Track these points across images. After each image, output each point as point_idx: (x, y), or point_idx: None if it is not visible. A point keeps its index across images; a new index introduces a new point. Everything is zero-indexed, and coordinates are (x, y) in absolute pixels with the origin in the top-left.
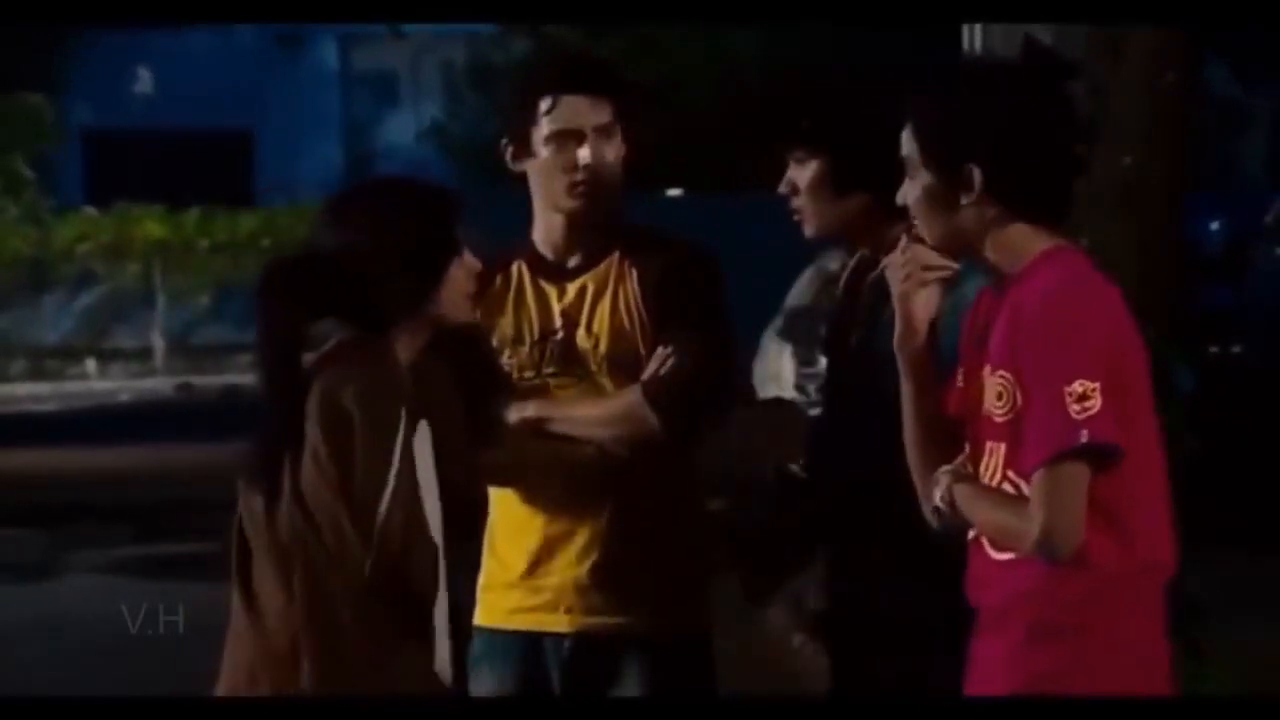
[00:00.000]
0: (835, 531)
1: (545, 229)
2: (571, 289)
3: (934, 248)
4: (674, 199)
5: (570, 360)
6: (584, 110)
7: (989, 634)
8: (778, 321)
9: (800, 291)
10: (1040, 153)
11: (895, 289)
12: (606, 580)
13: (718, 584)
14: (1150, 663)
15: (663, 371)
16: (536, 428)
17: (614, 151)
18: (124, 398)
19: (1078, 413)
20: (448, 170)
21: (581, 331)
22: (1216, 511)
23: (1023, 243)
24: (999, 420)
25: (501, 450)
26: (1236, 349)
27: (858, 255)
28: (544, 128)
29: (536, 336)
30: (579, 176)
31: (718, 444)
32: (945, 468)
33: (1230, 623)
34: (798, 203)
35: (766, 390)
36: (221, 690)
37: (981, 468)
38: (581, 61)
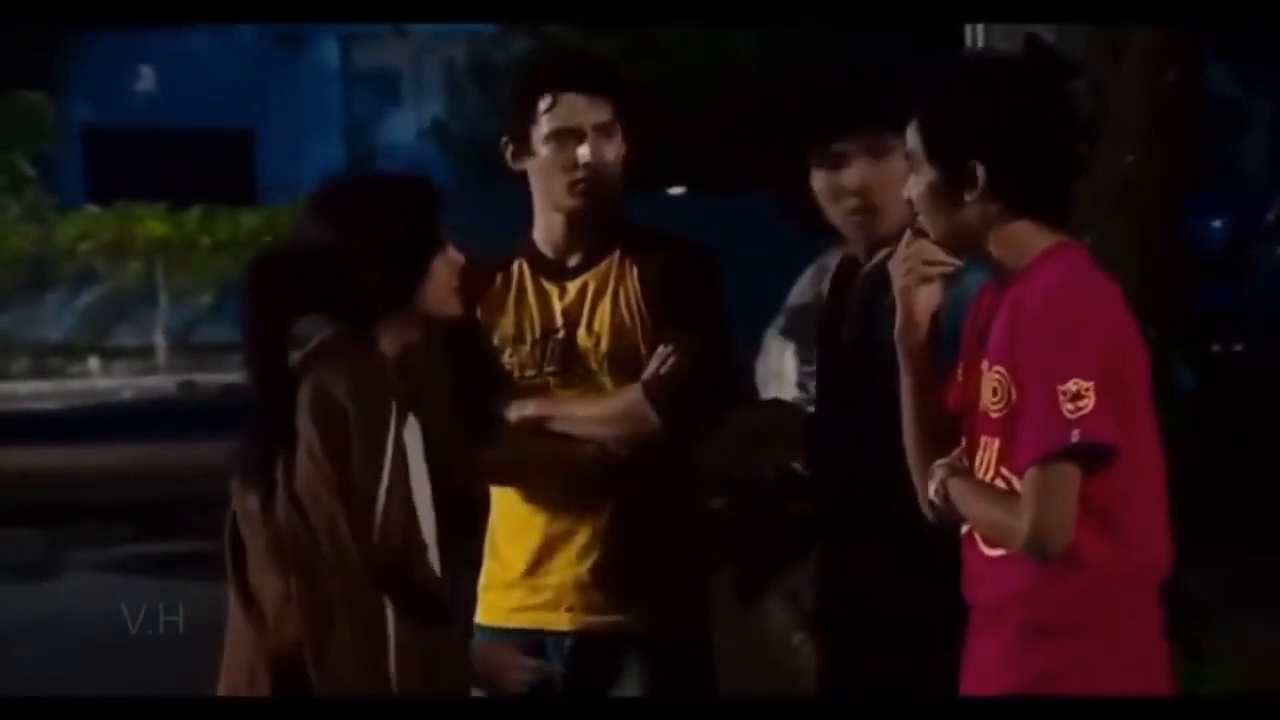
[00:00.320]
0: (832, 529)
1: (546, 228)
2: (572, 288)
3: (937, 243)
4: (675, 198)
5: (571, 359)
6: (584, 109)
7: (982, 633)
8: (780, 320)
9: (802, 289)
10: (1042, 150)
11: (897, 282)
12: (607, 579)
13: (718, 584)
14: (1148, 663)
15: (663, 370)
16: (537, 427)
17: (614, 150)
18: (126, 396)
19: (1071, 412)
20: (449, 169)
21: (582, 330)
22: (1216, 511)
23: (1025, 239)
24: (994, 416)
25: (502, 449)
26: (1237, 349)
27: (843, 253)
28: (544, 126)
29: (538, 335)
30: (579, 175)
31: (718, 444)
32: (941, 461)
33: (1230, 623)
34: (872, 199)
35: (769, 388)
36: (222, 690)
37: (976, 463)
38: (581, 60)
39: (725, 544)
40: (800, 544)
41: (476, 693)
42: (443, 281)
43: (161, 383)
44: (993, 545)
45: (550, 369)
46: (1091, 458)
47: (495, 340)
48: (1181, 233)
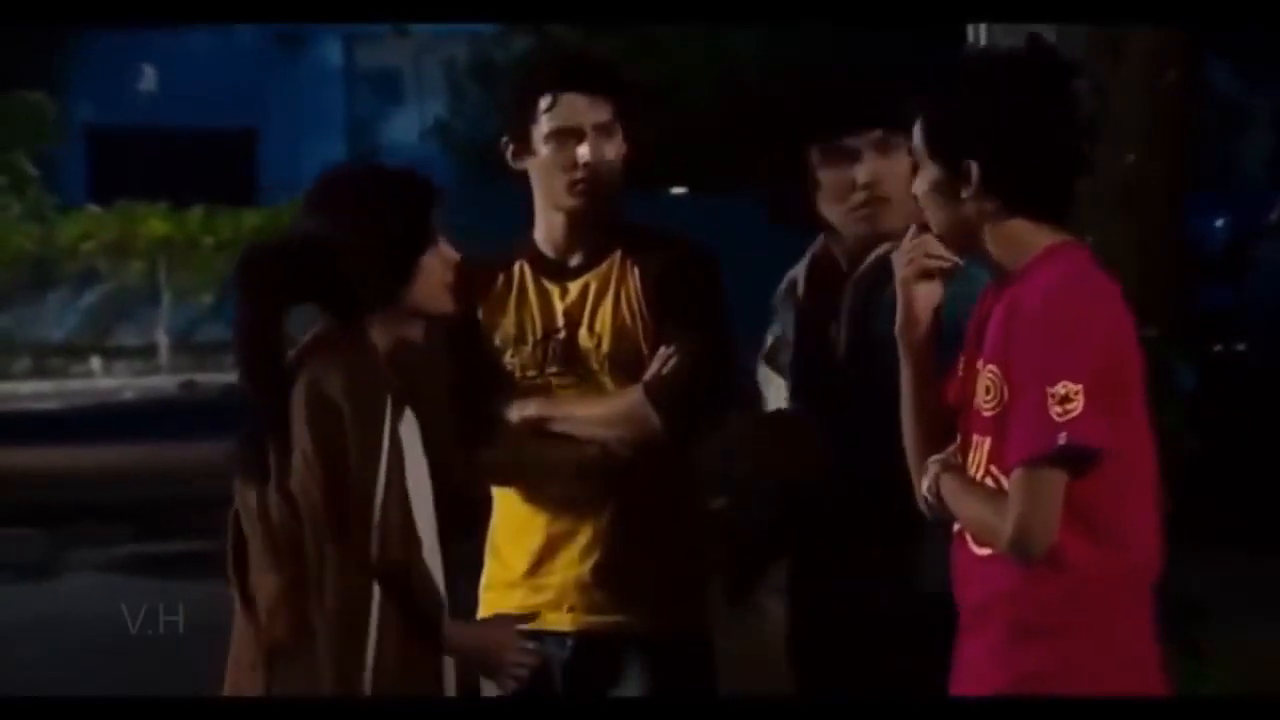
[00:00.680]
0: (820, 529)
1: (547, 228)
2: (574, 288)
3: (940, 239)
4: (675, 198)
5: (572, 359)
6: (583, 108)
7: (971, 633)
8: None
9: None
10: (1038, 149)
11: (898, 274)
12: (608, 579)
13: (718, 584)
14: (1139, 663)
15: (664, 371)
16: (539, 427)
17: (614, 150)
18: (128, 396)
19: (1059, 415)
20: (450, 168)
21: (584, 331)
22: (1216, 511)
23: (1024, 239)
24: (986, 415)
25: (504, 449)
26: (1237, 349)
27: (815, 245)
28: (544, 126)
29: (539, 336)
30: (578, 175)
31: (718, 444)
32: (935, 457)
33: (1230, 623)
34: (881, 192)
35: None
36: (226, 687)
37: (969, 461)
38: (581, 60)
39: (725, 544)
40: (789, 543)
41: (483, 684)
42: (435, 277)
43: (163, 383)
44: (981, 544)
45: (552, 369)
46: (1078, 461)
47: (497, 341)
48: (1181, 233)
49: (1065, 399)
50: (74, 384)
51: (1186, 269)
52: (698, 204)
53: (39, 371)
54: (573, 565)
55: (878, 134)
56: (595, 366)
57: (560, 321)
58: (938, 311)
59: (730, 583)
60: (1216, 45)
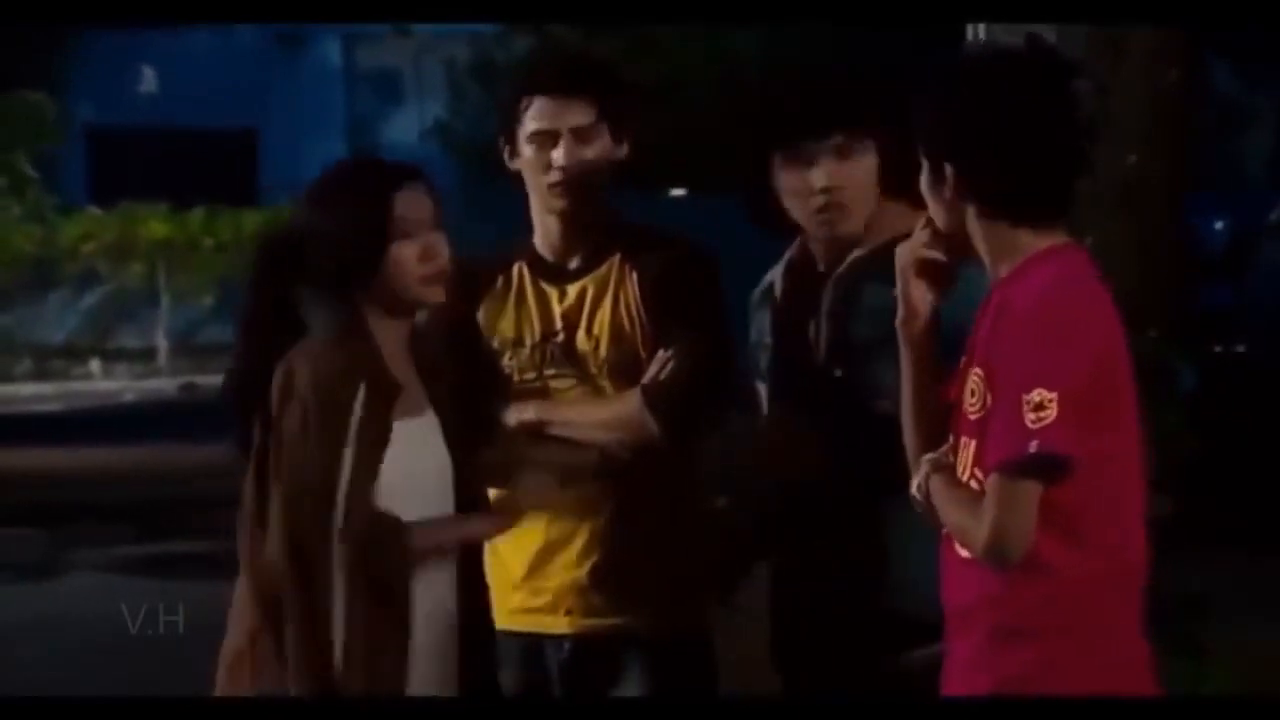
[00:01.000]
0: (799, 532)
1: (543, 230)
2: (572, 291)
3: (941, 236)
4: (676, 199)
5: (571, 362)
6: (558, 111)
7: (956, 636)
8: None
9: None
10: (1016, 155)
11: (899, 265)
12: (607, 581)
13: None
14: (1125, 664)
15: (663, 375)
16: (537, 431)
17: (594, 152)
18: (128, 397)
19: (1032, 421)
20: (451, 168)
21: (582, 334)
22: (1216, 511)
23: (1011, 242)
24: (971, 417)
25: (502, 452)
26: (1237, 349)
27: (793, 247)
28: (525, 128)
29: (537, 338)
30: (554, 178)
31: (718, 444)
32: (928, 456)
33: (1230, 622)
34: (840, 198)
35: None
36: (224, 652)
37: (957, 462)
38: (558, 62)
39: (725, 544)
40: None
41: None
42: (408, 267)
43: (163, 384)
44: (962, 547)
45: (550, 372)
46: (1049, 469)
47: (495, 343)
48: (1181, 233)
49: (1040, 406)
50: (74, 386)
51: (1186, 269)
52: (698, 204)
53: (39, 374)
54: (571, 568)
55: (838, 138)
56: (593, 370)
57: (558, 324)
58: (937, 306)
59: (725, 583)
60: (1216, 45)
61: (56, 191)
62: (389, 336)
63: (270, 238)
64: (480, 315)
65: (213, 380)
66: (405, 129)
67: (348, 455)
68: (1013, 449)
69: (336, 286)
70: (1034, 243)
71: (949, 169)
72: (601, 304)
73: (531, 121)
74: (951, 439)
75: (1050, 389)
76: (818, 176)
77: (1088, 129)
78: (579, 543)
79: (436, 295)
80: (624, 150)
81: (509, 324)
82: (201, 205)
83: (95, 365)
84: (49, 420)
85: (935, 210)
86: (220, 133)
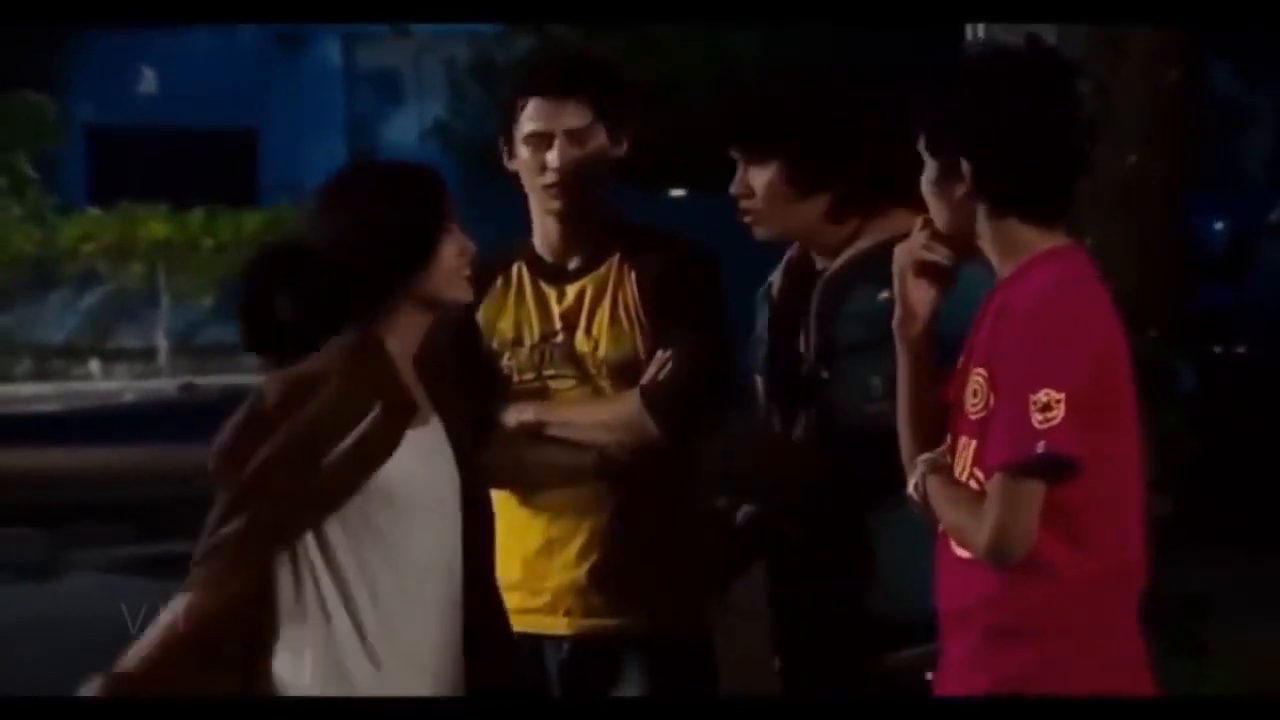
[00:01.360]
0: (786, 537)
1: (541, 231)
2: (571, 291)
3: (940, 236)
4: (676, 199)
5: (570, 363)
6: (551, 113)
7: (952, 636)
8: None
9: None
10: (1032, 150)
11: (896, 266)
12: (606, 582)
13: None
14: (1123, 664)
15: (662, 376)
16: (535, 431)
17: (589, 153)
18: (128, 398)
19: (1039, 422)
20: (451, 169)
21: (580, 334)
22: (1216, 511)
23: (1016, 240)
24: (973, 418)
25: (500, 453)
26: (1237, 349)
27: (788, 255)
28: (522, 129)
29: (536, 339)
30: (549, 179)
31: (718, 444)
32: (924, 456)
33: (1231, 622)
34: (750, 204)
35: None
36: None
37: (955, 462)
38: (554, 64)
39: (725, 544)
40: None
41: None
42: (452, 265)
43: (163, 385)
44: (961, 547)
45: (549, 372)
46: (1055, 470)
47: (494, 343)
48: (1181, 233)
49: (1046, 407)
50: (74, 386)
51: (1186, 269)
52: (698, 204)
53: (39, 374)
54: (569, 568)
55: (755, 145)
56: (592, 370)
57: (558, 325)
58: (936, 306)
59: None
60: (1216, 45)
61: (56, 192)
62: (401, 350)
63: (269, 247)
64: (480, 315)
65: (212, 380)
66: (405, 129)
67: (339, 468)
68: (1019, 449)
69: (377, 286)
70: (1038, 242)
71: (965, 166)
72: (601, 304)
73: (527, 123)
74: (950, 439)
75: (1059, 389)
76: (734, 183)
77: (1088, 129)
78: (578, 543)
79: (469, 293)
80: (622, 150)
81: (508, 324)
82: (201, 205)
83: (95, 365)
84: (49, 420)
85: (937, 210)
86: (220, 133)
